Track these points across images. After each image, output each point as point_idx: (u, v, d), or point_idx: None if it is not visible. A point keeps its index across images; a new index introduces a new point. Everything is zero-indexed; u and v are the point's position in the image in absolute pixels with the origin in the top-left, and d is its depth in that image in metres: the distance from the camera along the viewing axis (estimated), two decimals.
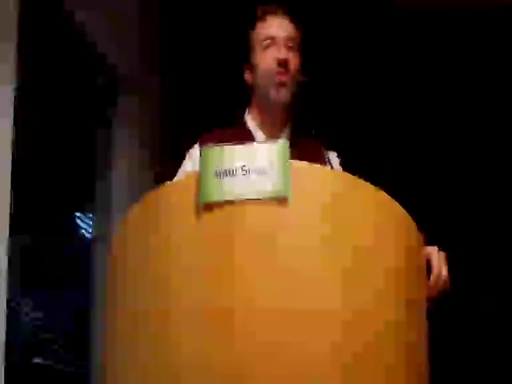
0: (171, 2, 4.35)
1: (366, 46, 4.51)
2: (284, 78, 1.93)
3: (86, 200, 4.11)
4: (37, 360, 5.41)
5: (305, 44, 2.03)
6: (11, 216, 2.53)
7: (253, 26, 2.02)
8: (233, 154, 1.38)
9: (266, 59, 1.95)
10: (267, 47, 1.96)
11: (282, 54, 1.94)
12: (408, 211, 1.50)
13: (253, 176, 1.35)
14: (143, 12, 4.08)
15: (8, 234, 2.51)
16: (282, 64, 1.93)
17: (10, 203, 2.52)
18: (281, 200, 1.35)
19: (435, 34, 4.46)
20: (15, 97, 2.54)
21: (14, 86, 2.54)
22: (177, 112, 4.46)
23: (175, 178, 1.94)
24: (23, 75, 2.62)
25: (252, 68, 2.00)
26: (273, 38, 1.97)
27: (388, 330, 1.37)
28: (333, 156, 2.03)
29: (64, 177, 5.12)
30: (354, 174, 1.46)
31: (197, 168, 1.42)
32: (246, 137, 1.96)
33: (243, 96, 2.06)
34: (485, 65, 4.56)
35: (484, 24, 4.33)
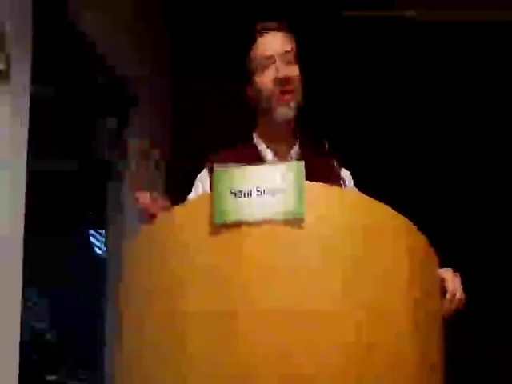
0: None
1: (366, 54, 4.53)
2: (286, 98, 1.91)
3: (98, 215, 4.12)
4: (50, 378, 5.42)
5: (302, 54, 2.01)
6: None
7: (252, 46, 1.98)
8: (247, 175, 1.38)
9: (266, 81, 1.92)
10: (266, 67, 1.93)
11: (281, 72, 1.91)
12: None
13: (267, 197, 1.36)
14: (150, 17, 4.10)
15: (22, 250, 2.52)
16: (283, 82, 1.91)
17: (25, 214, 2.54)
18: (296, 221, 1.35)
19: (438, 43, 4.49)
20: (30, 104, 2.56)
21: (28, 94, 2.56)
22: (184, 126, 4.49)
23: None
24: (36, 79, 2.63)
25: (254, 89, 1.97)
26: (269, 57, 1.93)
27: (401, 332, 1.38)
28: (346, 174, 2.02)
29: (76, 191, 5.14)
30: (367, 193, 1.46)
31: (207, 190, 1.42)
32: (255, 156, 1.95)
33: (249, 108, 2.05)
34: (485, 68, 4.60)
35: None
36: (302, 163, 1.40)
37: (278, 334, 1.32)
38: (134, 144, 3.85)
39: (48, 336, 5.82)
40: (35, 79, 2.61)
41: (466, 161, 4.74)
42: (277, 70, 1.92)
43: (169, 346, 1.38)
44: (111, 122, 3.81)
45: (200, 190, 1.97)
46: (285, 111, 1.92)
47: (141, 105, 3.91)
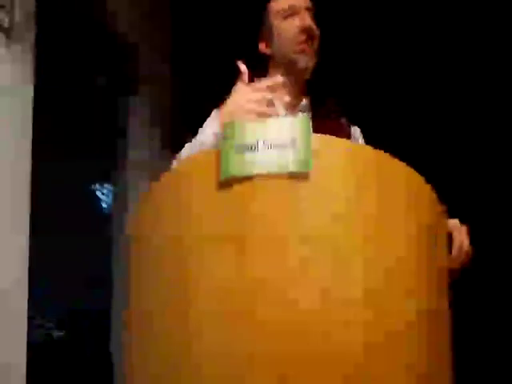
0: None
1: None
2: (311, 48, 1.92)
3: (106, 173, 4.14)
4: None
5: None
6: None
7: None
8: (254, 129, 1.37)
9: (290, 28, 1.93)
10: (288, 16, 1.94)
11: (307, 21, 1.92)
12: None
13: (274, 151, 1.34)
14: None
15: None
16: (308, 31, 1.91)
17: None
18: (302, 175, 1.34)
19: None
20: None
21: (33, 83, 2.56)
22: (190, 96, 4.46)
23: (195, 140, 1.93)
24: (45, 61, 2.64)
25: (271, 39, 1.97)
26: (294, 8, 1.94)
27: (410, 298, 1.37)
28: (355, 130, 2.01)
29: (85, 150, 5.16)
30: (376, 148, 1.45)
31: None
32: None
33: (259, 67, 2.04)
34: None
35: None
36: (309, 117, 1.40)
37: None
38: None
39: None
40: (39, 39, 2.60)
41: (477, 112, 4.70)
42: (303, 18, 1.92)
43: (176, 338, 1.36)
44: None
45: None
46: (307, 60, 1.92)
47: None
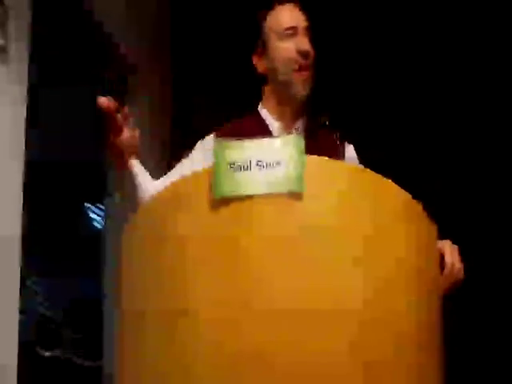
0: None
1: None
2: (306, 73, 1.89)
3: (98, 192, 4.12)
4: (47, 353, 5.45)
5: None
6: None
7: (265, 15, 1.96)
8: (247, 149, 1.37)
9: (288, 49, 1.90)
10: (287, 37, 1.91)
11: (306, 45, 1.90)
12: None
13: (267, 170, 1.35)
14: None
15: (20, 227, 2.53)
16: (306, 55, 1.89)
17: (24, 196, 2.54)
18: (295, 195, 1.34)
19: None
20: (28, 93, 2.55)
21: (26, 85, 2.55)
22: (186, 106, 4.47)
23: (178, 168, 1.93)
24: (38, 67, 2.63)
25: (267, 57, 1.94)
26: (294, 28, 1.91)
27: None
28: (349, 149, 2.01)
29: (75, 169, 5.14)
30: (369, 167, 1.45)
31: (209, 160, 1.40)
32: (263, 129, 1.92)
33: (254, 84, 2.02)
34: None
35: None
36: (302, 136, 1.40)
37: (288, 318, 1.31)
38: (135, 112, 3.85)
39: (48, 313, 5.85)
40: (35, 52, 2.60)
41: (464, 131, 4.71)
42: (301, 42, 1.90)
43: (169, 340, 1.36)
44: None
45: (199, 157, 1.92)
46: (304, 87, 1.90)
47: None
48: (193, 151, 1.98)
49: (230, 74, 4.13)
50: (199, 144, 1.97)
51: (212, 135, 1.96)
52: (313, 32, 1.95)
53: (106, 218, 3.98)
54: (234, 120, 1.98)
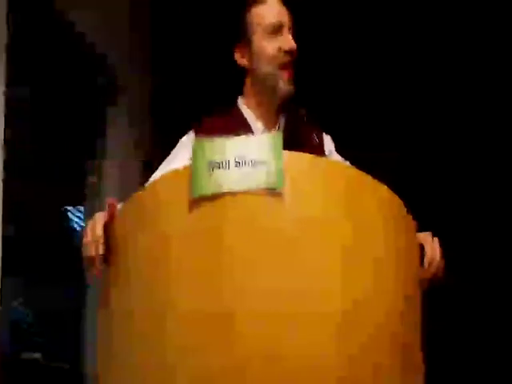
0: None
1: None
2: (290, 72, 1.86)
3: (78, 194, 4.10)
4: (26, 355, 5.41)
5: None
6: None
7: (249, 8, 1.91)
8: (225, 147, 1.37)
9: (272, 46, 1.86)
10: (272, 33, 1.87)
11: (291, 43, 1.86)
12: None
13: (246, 168, 1.35)
14: (134, 13, 4.07)
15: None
16: (292, 54, 1.86)
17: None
18: (274, 192, 1.34)
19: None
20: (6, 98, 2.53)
21: (3, 88, 2.53)
22: (166, 106, 4.46)
23: (164, 165, 1.91)
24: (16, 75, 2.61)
25: (248, 52, 1.90)
26: (279, 24, 1.87)
27: (386, 321, 1.39)
28: (327, 141, 2.01)
29: (56, 169, 5.11)
30: (348, 160, 1.46)
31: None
32: (243, 126, 1.89)
33: (234, 85, 2.00)
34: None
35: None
36: (280, 133, 1.40)
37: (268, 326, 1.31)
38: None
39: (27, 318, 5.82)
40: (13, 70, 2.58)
41: (447, 130, 4.74)
42: (286, 39, 1.86)
43: (154, 338, 1.36)
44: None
45: (184, 155, 1.84)
46: (289, 86, 1.87)
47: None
48: (176, 148, 1.96)
49: (208, 66, 4.12)
50: (181, 143, 1.95)
51: (191, 133, 1.94)
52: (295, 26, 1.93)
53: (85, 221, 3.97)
54: (213, 115, 1.95)
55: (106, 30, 3.60)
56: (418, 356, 1.51)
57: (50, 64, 3.57)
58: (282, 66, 1.86)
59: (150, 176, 1.83)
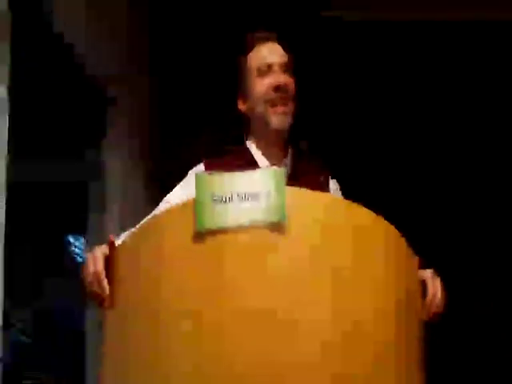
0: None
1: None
2: (283, 108, 1.90)
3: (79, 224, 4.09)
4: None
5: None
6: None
7: (244, 54, 1.98)
8: (228, 181, 1.39)
9: (262, 86, 1.91)
10: (262, 75, 1.92)
11: (280, 78, 1.91)
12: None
13: (248, 203, 1.36)
14: (132, 15, 4.08)
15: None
16: (281, 89, 1.90)
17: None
18: (277, 226, 1.36)
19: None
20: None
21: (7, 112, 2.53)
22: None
23: (166, 202, 1.93)
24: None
25: (246, 96, 1.96)
26: (268, 66, 1.93)
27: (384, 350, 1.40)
28: (333, 183, 2.03)
29: (56, 201, 5.10)
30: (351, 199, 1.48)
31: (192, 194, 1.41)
32: (250, 164, 1.92)
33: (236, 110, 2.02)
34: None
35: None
36: (283, 169, 1.42)
37: (264, 341, 1.33)
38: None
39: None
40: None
41: (438, 155, 4.73)
42: (276, 77, 1.91)
43: (153, 357, 1.38)
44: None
45: (183, 192, 1.90)
46: (280, 121, 1.91)
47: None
48: (185, 181, 1.98)
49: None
50: (191, 175, 1.97)
51: (202, 165, 1.96)
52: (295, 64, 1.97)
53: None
54: (224, 154, 1.99)
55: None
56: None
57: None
58: (272, 103, 1.90)
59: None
